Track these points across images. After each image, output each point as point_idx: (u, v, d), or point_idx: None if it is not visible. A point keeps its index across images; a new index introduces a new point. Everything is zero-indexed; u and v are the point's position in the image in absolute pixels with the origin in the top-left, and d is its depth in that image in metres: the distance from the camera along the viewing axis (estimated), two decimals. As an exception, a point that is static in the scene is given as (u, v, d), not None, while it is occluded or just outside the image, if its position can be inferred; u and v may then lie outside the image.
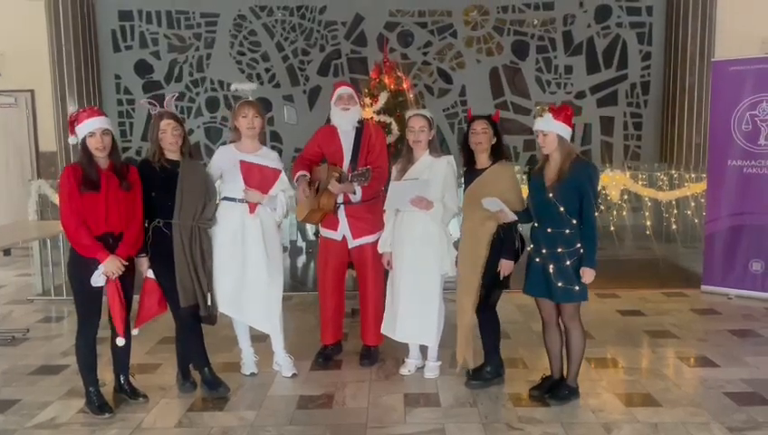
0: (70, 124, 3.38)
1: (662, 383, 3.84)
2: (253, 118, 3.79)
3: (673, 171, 7.73)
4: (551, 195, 3.36)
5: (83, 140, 3.31)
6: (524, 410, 3.50)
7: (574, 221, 3.38)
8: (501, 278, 3.67)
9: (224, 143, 3.96)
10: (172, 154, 3.62)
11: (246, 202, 3.79)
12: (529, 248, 3.57)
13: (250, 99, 3.91)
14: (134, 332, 3.67)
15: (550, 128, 3.36)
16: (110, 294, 3.39)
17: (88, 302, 3.41)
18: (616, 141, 9.31)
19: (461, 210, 3.87)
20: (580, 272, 3.37)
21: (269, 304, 3.89)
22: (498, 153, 3.70)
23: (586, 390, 3.69)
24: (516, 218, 3.53)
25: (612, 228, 7.45)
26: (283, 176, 3.87)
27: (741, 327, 4.89)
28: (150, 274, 3.66)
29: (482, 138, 3.64)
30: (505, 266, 3.65)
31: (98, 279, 3.33)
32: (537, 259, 3.49)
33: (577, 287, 3.40)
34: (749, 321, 5.06)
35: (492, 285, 3.69)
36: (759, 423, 3.30)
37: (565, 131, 3.38)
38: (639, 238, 7.65)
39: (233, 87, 4.07)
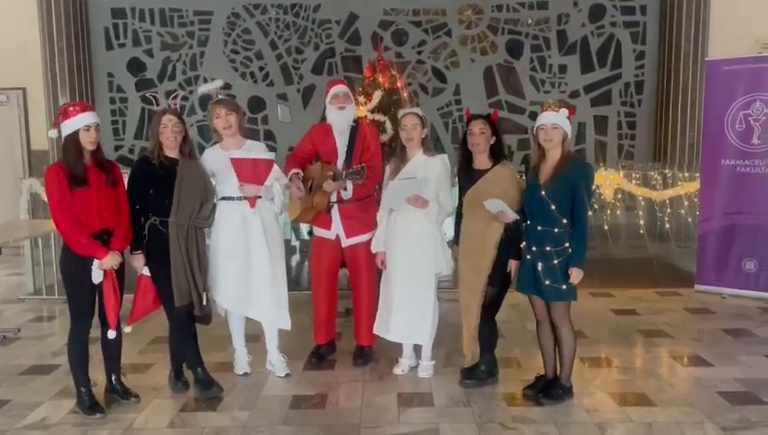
0: (56, 118, 3.33)
1: (656, 383, 3.84)
2: (226, 116, 3.77)
3: (667, 170, 7.74)
4: (543, 193, 3.36)
5: (75, 135, 3.27)
6: (518, 410, 3.50)
7: (565, 220, 3.37)
8: (512, 278, 3.67)
9: (215, 143, 3.94)
10: (171, 151, 3.60)
11: (245, 198, 3.77)
12: (522, 245, 3.56)
13: (220, 97, 3.88)
14: (127, 329, 3.65)
15: (562, 123, 3.36)
16: (106, 288, 3.37)
17: (82, 300, 3.39)
18: (610, 141, 9.32)
19: (455, 209, 3.86)
20: (569, 271, 3.37)
21: (277, 299, 3.88)
22: (498, 154, 3.69)
23: (580, 389, 3.69)
24: (517, 218, 3.52)
25: (606, 227, 7.45)
26: (275, 166, 3.84)
27: (734, 326, 4.90)
28: (146, 271, 3.63)
29: (479, 139, 3.62)
30: (515, 266, 3.64)
31: (97, 275, 3.31)
32: (528, 256, 3.49)
33: (564, 286, 3.39)
34: (742, 320, 5.07)
35: (502, 287, 3.69)
36: (752, 423, 3.30)
37: (570, 130, 3.41)
38: (633, 238, 7.66)
39: (199, 91, 4.05)
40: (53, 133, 3.36)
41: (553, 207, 3.36)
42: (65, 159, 3.29)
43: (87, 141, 3.29)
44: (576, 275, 3.36)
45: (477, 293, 3.65)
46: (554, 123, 3.36)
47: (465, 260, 3.70)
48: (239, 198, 3.78)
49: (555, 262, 3.38)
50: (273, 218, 3.91)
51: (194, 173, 3.64)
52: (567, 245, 3.38)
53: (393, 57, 8.61)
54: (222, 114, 3.77)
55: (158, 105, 3.65)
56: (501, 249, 3.61)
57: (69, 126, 3.27)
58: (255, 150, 3.84)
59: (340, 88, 4.04)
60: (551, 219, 3.38)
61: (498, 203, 3.44)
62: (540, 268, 3.41)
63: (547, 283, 3.40)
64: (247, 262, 3.79)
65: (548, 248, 3.39)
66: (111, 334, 3.46)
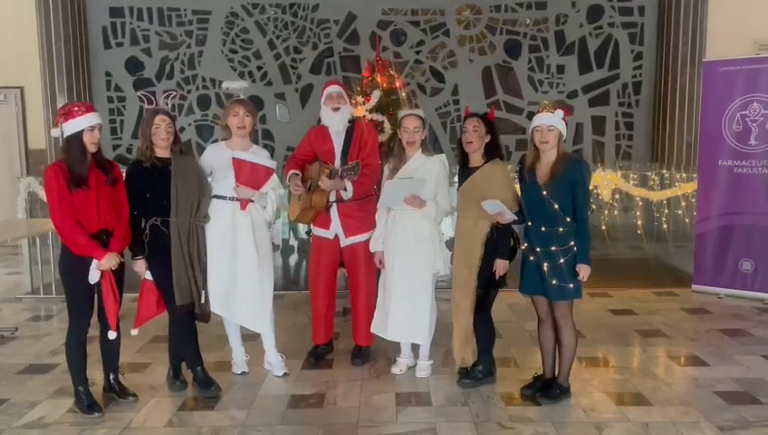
0: (59, 117, 3.31)
1: (653, 382, 3.85)
2: (243, 117, 3.78)
3: (664, 171, 7.75)
4: (545, 193, 3.37)
5: (78, 135, 3.26)
6: (516, 410, 3.50)
7: (568, 219, 3.38)
8: (497, 278, 3.67)
9: (215, 141, 3.93)
10: (163, 151, 3.60)
11: (237, 199, 3.78)
12: (523, 247, 3.57)
13: (241, 97, 3.90)
14: (133, 332, 3.66)
15: (558, 124, 3.37)
16: (104, 289, 3.37)
17: (81, 300, 3.39)
18: (607, 141, 9.33)
19: (453, 209, 3.86)
20: (577, 269, 3.38)
21: (260, 303, 3.87)
22: (492, 152, 3.69)
23: (577, 389, 3.70)
24: (516, 219, 3.52)
25: (604, 228, 7.46)
26: (275, 175, 3.85)
27: (731, 326, 4.92)
28: (148, 275, 3.63)
29: (472, 136, 3.63)
30: (500, 266, 3.64)
31: (94, 276, 3.31)
32: (531, 258, 3.49)
33: (571, 285, 3.41)
34: (739, 320, 5.09)
35: (488, 285, 3.68)
36: (749, 422, 3.31)
37: (565, 131, 3.41)
38: (631, 238, 7.67)
39: (224, 85, 4.07)
40: (56, 132, 3.34)
41: (556, 206, 3.37)
42: (67, 159, 3.28)
43: (90, 142, 3.29)
44: (585, 271, 3.38)
45: (469, 291, 3.65)
46: (550, 125, 3.37)
47: (458, 258, 3.71)
48: (231, 199, 3.78)
49: (562, 261, 3.39)
50: (263, 223, 3.90)
51: (187, 170, 3.64)
52: (572, 243, 3.39)
53: (391, 57, 8.60)
54: (240, 113, 3.78)
55: (150, 104, 3.65)
56: (488, 247, 3.61)
57: (73, 126, 3.26)
58: (260, 156, 3.85)
59: (333, 88, 4.04)
60: (554, 219, 3.39)
61: (496, 204, 3.45)
62: (546, 269, 3.42)
63: (554, 282, 3.41)
64: (233, 264, 3.79)
65: (553, 248, 3.40)
66: (112, 335, 3.46)
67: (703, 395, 3.67)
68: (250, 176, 3.75)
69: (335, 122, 4.02)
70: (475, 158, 3.70)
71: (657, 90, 9.06)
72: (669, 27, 8.72)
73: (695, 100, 8.26)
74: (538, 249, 3.45)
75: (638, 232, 7.57)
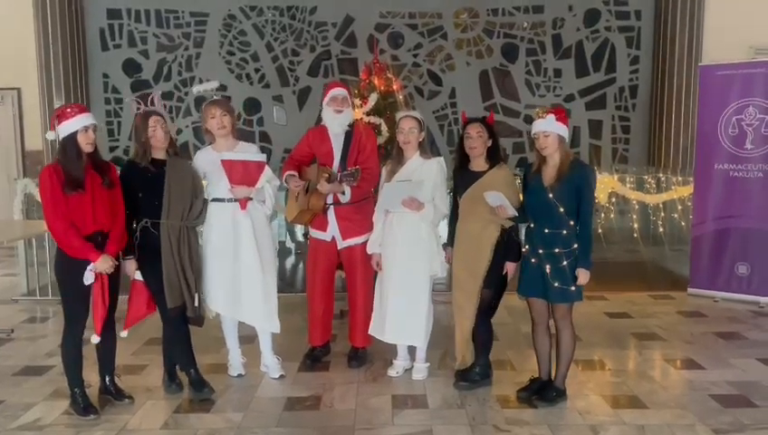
0: (54, 120, 3.31)
1: (648, 385, 3.86)
2: (221, 117, 3.77)
3: (660, 174, 7.77)
4: (551, 195, 3.38)
5: (73, 136, 3.26)
6: (512, 412, 3.51)
7: (572, 222, 3.40)
8: (508, 280, 3.69)
9: (211, 144, 3.93)
10: (158, 153, 3.60)
11: (236, 200, 3.78)
12: (524, 249, 3.58)
13: (215, 98, 3.90)
14: (123, 334, 3.65)
15: (552, 128, 3.37)
16: (95, 293, 3.36)
17: (76, 302, 3.38)
18: (604, 145, 9.36)
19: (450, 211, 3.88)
20: (576, 273, 3.39)
21: (266, 301, 3.87)
22: (495, 156, 3.71)
23: (573, 391, 3.70)
24: (516, 214, 3.53)
25: (600, 231, 7.48)
26: (267, 168, 3.84)
27: (727, 330, 4.93)
28: (138, 275, 3.63)
29: (477, 142, 3.64)
30: (512, 268, 3.66)
31: (88, 277, 3.30)
32: (533, 260, 3.50)
33: (573, 288, 3.42)
34: (735, 323, 5.10)
35: (498, 289, 3.70)
36: (744, 425, 3.32)
37: (565, 132, 3.42)
38: (627, 241, 7.68)
39: (194, 90, 4.05)
40: (51, 135, 3.33)
41: (562, 209, 3.38)
42: (63, 161, 3.27)
43: (86, 142, 3.28)
44: (584, 275, 3.39)
45: (473, 295, 3.66)
46: (544, 131, 3.39)
47: (460, 262, 3.71)
48: (230, 200, 3.78)
49: (564, 263, 3.40)
50: (264, 221, 3.91)
51: (181, 172, 3.64)
52: (575, 246, 3.41)
53: (389, 60, 8.62)
54: (217, 115, 3.77)
55: (138, 109, 3.64)
56: (497, 252, 3.62)
57: (67, 127, 3.26)
58: (247, 152, 3.84)
59: (339, 91, 4.04)
60: (559, 222, 3.40)
61: (499, 196, 3.46)
62: (548, 271, 3.43)
63: (556, 285, 3.42)
64: (237, 264, 3.79)
65: (557, 250, 3.41)
66: (95, 340, 3.43)
67: (698, 398, 3.67)
68: (243, 174, 3.74)
69: (336, 125, 4.02)
70: (479, 162, 3.71)
71: (653, 93, 9.09)
72: (666, 31, 8.76)
73: (691, 103, 8.28)
74: (541, 251, 3.45)
75: (635, 235, 7.59)
